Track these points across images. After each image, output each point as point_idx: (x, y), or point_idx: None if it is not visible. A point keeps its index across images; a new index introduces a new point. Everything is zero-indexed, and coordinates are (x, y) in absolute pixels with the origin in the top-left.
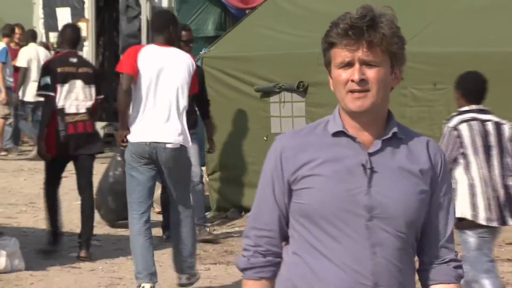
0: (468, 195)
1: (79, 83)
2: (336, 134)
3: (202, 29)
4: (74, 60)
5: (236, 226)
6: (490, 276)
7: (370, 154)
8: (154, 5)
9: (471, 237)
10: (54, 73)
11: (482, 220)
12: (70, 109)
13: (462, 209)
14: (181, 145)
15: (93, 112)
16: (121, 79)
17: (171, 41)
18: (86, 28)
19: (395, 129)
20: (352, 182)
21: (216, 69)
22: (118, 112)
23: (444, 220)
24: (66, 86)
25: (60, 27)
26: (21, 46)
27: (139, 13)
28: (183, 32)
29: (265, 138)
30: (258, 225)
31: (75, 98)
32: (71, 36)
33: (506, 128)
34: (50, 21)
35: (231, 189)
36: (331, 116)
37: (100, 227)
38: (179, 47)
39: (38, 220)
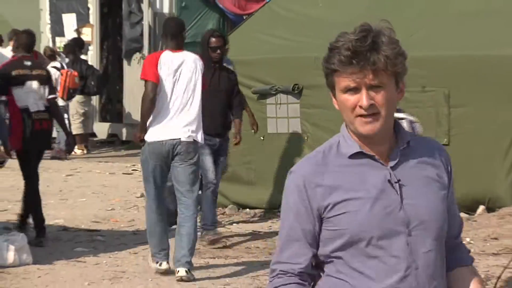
0: None
1: (35, 83)
2: (353, 155)
3: (201, 34)
4: (28, 63)
5: (234, 222)
6: None
7: (392, 168)
8: (156, 11)
9: None
10: (8, 77)
11: None
12: (33, 107)
13: None
14: (194, 140)
15: (50, 110)
16: (146, 86)
17: (182, 46)
18: (91, 33)
19: (407, 138)
20: (385, 200)
21: None
22: (140, 116)
23: (457, 214)
24: (24, 87)
25: (66, 32)
26: None
27: (141, 18)
28: (212, 39)
29: (262, 138)
30: (283, 260)
31: (34, 97)
32: (26, 41)
33: (417, 126)
34: (57, 27)
35: (229, 186)
36: (339, 137)
37: (104, 223)
38: (208, 53)
39: (45, 215)
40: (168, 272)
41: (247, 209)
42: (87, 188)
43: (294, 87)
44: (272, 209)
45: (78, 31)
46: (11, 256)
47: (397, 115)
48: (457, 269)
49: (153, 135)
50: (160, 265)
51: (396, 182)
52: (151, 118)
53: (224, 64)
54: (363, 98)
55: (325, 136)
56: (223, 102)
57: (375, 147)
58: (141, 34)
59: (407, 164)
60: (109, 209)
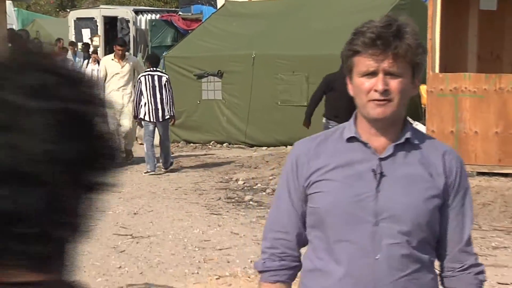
0: (143, 106)
1: None
2: (350, 139)
3: (164, 41)
4: None
5: (184, 151)
6: (147, 141)
7: (381, 159)
8: (137, 28)
9: (143, 126)
10: None
11: (147, 118)
12: None
13: (142, 112)
14: None
15: None
16: None
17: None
18: (99, 40)
19: (408, 135)
20: (361, 187)
21: (172, 63)
22: None
23: (461, 225)
24: None
25: (84, 40)
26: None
27: (129, 32)
28: None
29: (198, 102)
30: (275, 228)
31: None
32: None
33: (163, 78)
34: (78, 37)
35: (180, 130)
36: (347, 123)
37: None
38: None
39: None
40: None
41: (191, 143)
42: None
43: (218, 72)
44: (205, 144)
45: (91, 39)
46: None
47: (153, 73)
48: None
49: None
50: None
51: (379, 173)
52: None
53: None
54: (379, 82)
55: (235, 101)
56: (347, 100)
57: (377, 136)
58: (129, 42)
59: (400, 160)
60: None
